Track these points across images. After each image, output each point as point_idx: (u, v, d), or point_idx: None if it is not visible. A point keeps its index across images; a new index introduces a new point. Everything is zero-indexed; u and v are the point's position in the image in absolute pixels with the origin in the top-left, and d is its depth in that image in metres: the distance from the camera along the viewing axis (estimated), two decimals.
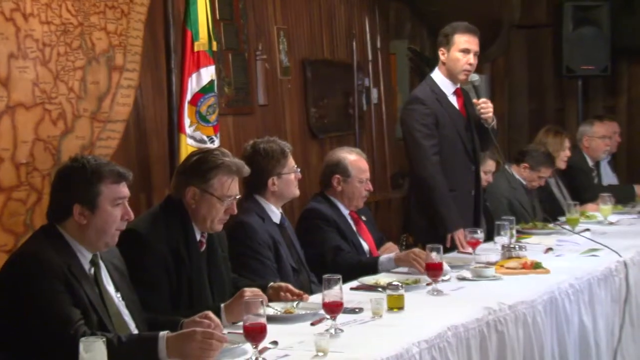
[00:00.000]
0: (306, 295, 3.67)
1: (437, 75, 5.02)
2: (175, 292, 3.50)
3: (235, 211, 3.70)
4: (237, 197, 3.69)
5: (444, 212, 4.79)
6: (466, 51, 4.91)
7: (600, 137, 6.97)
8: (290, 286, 3.69)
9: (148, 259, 3.46)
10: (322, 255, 4.49)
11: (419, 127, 4.85)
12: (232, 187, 3.64)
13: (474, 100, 5.03)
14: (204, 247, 3.67)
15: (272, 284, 3.71)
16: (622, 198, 6.48)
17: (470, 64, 4.93)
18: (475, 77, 5.01)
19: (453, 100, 5.00)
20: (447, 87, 4.99)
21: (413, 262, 4.19)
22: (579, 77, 8.15)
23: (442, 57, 4.98)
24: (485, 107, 4.95)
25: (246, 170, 3.72)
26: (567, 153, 6.49)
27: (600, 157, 7.04)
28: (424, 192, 4.84)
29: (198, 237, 3.64)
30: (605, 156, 7.11)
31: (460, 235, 4.72)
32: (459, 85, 5.03)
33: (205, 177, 3.59)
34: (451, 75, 4.98)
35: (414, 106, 4.94)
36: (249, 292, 3.37)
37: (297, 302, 3.57)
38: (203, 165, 3.61)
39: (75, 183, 3.06)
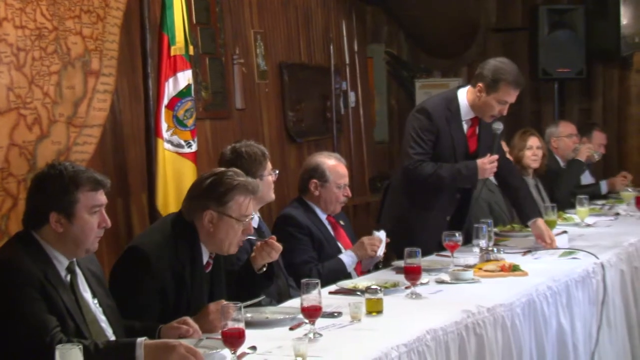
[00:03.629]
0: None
1: (463, 97, 4.84)
2: (172, 312, 3.40)
3: (252, 231, 3.67)
4: (253, 217, 3.65)
5: (457, 170, 4.77)
6: (504, 102, 4.78)
7: (566, 136, 7.00)
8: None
9: (146, 282, 3.38)
10: (289, 267, 4.48)
11: (416, 139, 4.78)
12: (249, 207, 3.59)
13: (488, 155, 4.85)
14: (210, 268, 3.61)
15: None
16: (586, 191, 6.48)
17: (500, 113, 4.82)
18: (499, 125, 4.87)
19: (465, 126, 4.88)
20: (466, 113, 4.85)
21: (368, 248, 4.55)
22: (555, 80, 8.19)
23: (477, 92, 4.76)
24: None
25: (260, 188, 3.69)
26: (535, 151, 6.42)
27: (570, 155, 7.03)
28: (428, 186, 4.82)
29: (206, 258, 3.58)
30: (574, 154, 7.07)
31: (484, 160, 4.77)
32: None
33: (222, 199, 3.52)
34: (476, 109, 4.83)
35: (420, 116, 4.83)
36: (214, 306, 3.30)
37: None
38: (219, 188, 3.54)
39: (52, 190, 3.03)
